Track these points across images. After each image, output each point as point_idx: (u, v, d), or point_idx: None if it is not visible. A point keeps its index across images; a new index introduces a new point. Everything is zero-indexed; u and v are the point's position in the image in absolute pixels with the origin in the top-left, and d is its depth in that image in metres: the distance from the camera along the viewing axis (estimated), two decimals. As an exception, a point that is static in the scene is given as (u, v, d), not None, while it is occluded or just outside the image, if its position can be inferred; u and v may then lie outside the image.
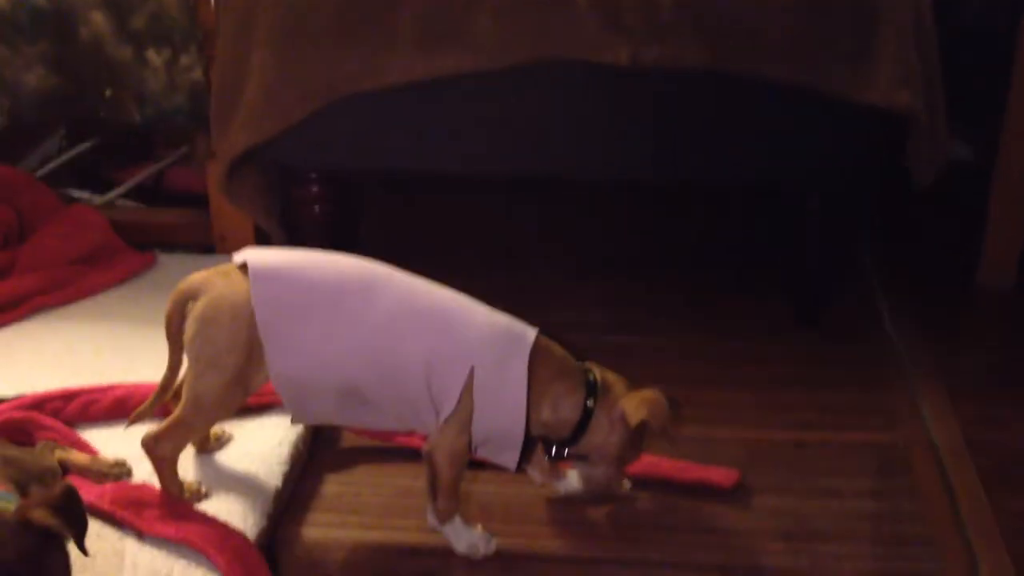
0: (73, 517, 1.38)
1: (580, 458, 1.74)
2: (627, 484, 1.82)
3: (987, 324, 2.48)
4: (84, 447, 1.80)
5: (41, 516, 1.34)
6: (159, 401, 1.71)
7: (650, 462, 1.83)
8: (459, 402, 1.59)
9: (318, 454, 1.93)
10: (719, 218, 2.90)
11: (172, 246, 2.58)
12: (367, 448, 1.94)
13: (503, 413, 1.61)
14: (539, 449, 1.77)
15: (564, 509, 1.80)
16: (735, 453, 1.93)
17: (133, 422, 1.73)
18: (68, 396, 1.89)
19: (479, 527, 1.71)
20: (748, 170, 2.22)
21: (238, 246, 2.49)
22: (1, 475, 1.53)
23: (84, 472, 1.73)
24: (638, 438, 1.70)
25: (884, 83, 2.04)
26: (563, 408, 1.66)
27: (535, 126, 2.19)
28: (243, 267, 1.61)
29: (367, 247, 2.68)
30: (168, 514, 1.63)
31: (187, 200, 2.72)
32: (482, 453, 1.68)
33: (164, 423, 1.64)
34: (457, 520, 1.68)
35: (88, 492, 1.67)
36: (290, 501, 1.81)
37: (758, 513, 1.80)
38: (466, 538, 1.68)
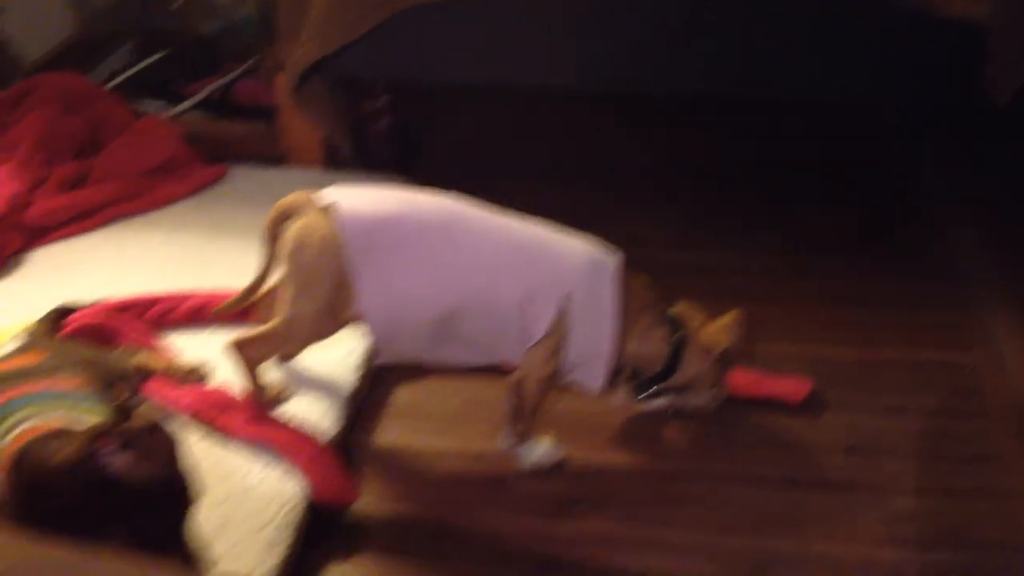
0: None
1: (672, 392, 1.76)
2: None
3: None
4: (163, 351, 1.84)
5: (146, 412, 1.36)
6: (242, 301, 1.75)
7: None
8: (552, 329, 1.61)
9: (388, 365, 1.95)
10: (785, 133, 2.86)
11: (240, 158, 2.60)
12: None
13: (594, 338, 1.64)
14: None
15: (632, 423, 1.83)
16: (801, 370, 1.93)
17: (216, 316, 1.84)
18: (146, 303, 1.93)
19: (547, 438, 1.74)
20: (824, 87, 2.19)
21: (306, 158, 2.54)
22: (87, 376, 1.57)
23: (164, 375, 1.77)
24: (724, 363, 1.73)
25: (963, -4, 1.98)
26: (650, 341, 1.69)
27: (609, 37, 2.16)
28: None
29: (430, 159, 2.72)
30: (247, 417, 1.68)
31: (254, 112, 2.74)
32: (568, 379, 1.70)
33: (257, 330, 1.66)
34: (531, 440, 1.71)
35: (167, 395, 1.73)
36: (361, 408, 1.85)
37: (824, 428, 1.81)
38: (535, 452, 1.71)
